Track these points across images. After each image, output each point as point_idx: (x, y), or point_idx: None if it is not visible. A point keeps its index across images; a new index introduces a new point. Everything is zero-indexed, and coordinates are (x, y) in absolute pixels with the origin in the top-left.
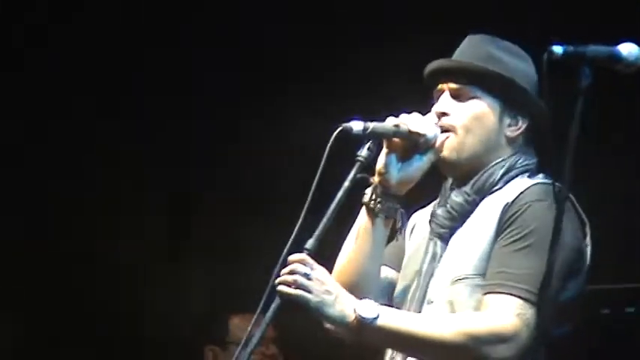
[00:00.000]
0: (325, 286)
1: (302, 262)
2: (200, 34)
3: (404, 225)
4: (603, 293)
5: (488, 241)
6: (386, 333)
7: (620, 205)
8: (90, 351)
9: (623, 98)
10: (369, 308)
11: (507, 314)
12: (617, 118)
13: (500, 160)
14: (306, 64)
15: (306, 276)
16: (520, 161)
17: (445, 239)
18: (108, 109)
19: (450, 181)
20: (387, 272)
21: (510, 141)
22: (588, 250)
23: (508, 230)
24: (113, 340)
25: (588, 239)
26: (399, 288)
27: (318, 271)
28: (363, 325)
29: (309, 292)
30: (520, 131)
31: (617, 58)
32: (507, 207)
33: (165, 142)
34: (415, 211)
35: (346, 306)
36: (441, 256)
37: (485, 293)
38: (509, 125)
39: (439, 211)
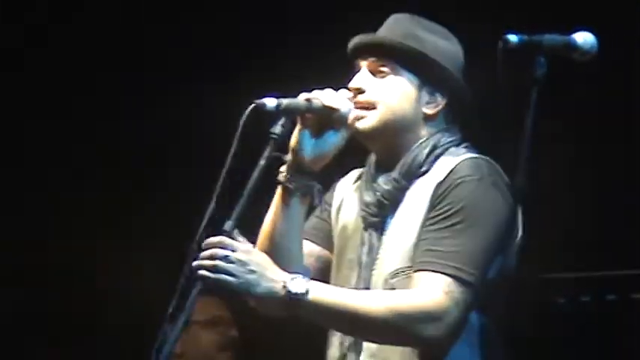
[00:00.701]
0: (248, 266)
1: (220, 244)
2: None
3: (322, 201)
4: (558, 282)
5: (420, 227)
6: (317, 308)
7: (571, 193)
8: None
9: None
10: (298, 284)
11: (436, 292)
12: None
13: (423, 139)
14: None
15: (226, 259)
16: (443, 139)
17: (379, 228)
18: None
19: (373, 157)
20: (315, 250)
21: (428, 118)
22: (519, 221)
23: (438, 207)
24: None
25: (519, 215)
26: (336, 275)
27: (239, 251)
28: (293, 300)
29: (232, 275)
30: (438, 108)
31: (573, 47)
32: (438, 186)
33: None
34: (339, 178)
35: (274, 283)
36: (378, 247)
37: (415, 271)
38: (428, 102)
39: (368, 198)
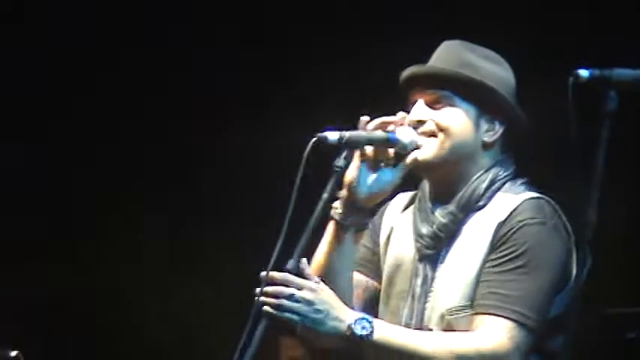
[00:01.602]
0: (314, 305)
1: (285, 282)
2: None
3: (371, 233)
4: (629, 317)
5: (480, 266)
6: (378, 347)
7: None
8: None
9: None
10: (363, 326)
11: (499, 336)
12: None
13: (481, 172)
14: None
15: (292, 297)
16: (501, 172)
17: (433, 260)
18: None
19: (426, 185)
20: (362, 280)
21: (487, 146)
22: (574, 262)
23: (501, 249)
24: None
25: (574, 251)
26: (385, 305)
27: (305, 289)
28: (357, 341)
29: (297, 314)
30: (497, 136)
31: None
32: (499, 226)
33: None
34: (385, 203)
35: (339, 322)
36: (432, 279)
37: (477, 313)
38: (487, 130)
39: (424, 231)
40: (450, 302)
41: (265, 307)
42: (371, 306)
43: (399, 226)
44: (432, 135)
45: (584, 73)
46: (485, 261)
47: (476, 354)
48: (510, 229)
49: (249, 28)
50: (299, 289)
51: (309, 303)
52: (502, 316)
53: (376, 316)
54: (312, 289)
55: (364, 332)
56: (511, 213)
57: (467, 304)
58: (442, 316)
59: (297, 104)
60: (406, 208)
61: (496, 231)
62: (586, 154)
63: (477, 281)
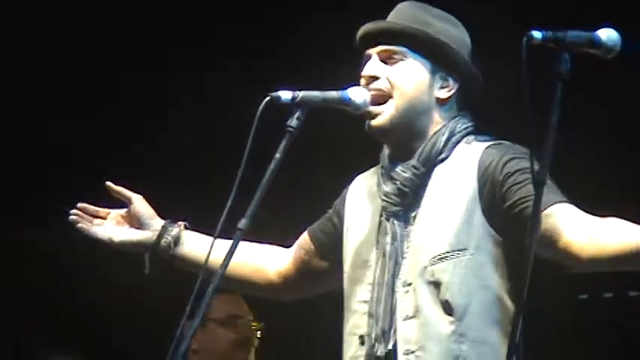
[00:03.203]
0: None
1: None
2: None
3: (342, 203)
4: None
5: (462, 214)
6: None
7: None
8: None
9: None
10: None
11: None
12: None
13: (440, 126)
14: (245, 37)
15: None
16: (459, 126)
17: (401, 217)
18: None
19: (386, 150)
20: (310, 248)
21: (442, 102)
22: None
23: (506, 176)
24: None
25: None
26: (351, 275)
27: None
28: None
29: None
30: (452, 92)
31: (597, 44)
32: (487, 163)
33: None
34: (356, 175)
35: None
36: (403, 235)
37: (546, 207)
38: (442, 87)
39: (388, 189)
40: (431, 252)
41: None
42: (305, 271)
43: (360, 193)
44: (387, 95)
45: (537, 34)
46: (465, 211)
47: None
48: (496, 161)
49: None
50: None
51: None
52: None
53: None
54: None
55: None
56: (483, 153)
57: (451, 250)
58: (424, 268)
59: (252, 66)
60: (368, 178)
61: (483, 169)
62: (540, 115)
63: (455, 230)
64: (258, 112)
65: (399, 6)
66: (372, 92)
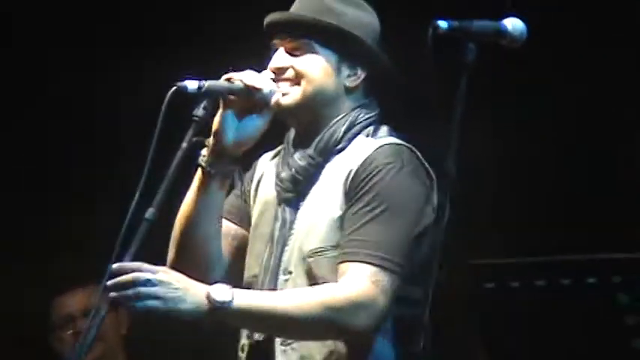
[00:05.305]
0: (171, 285)
1: (139, 269)
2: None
3: (241, 179)
4: (488, 267)
5: (336, 210)
6: (244, 314)
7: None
8: None
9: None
10: (222, 292)
11: (363, 282)
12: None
13: (341, 116)
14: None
15: (149, 282)
16: (361, 116)
17: (293, 204)
18: None
19: (292, 133)
20: (232, 228)
21: (349, 91)
22: (432, 207)
23: (359, 195)
24: None
25: (435, 196)
26: (251, 249)
27: (159, 272)
28: (219, 310)
29: (157, 297)
30: (359, 81)
31: (503, 33)
32: (355, 172)
33: None
34: (261, 154)
35: (198, 296)
36: (291, 222)
37: (340, 262)
38: (349, 75)
39: (284, 174)
40: (309, 244)
41: (125, 298)
42: (241, 255)
43: (268, 173)
44: (294, 83)
45: (443, 24)
46: (338, 207)
47: (342, 302)
48: (368, 175)
49: None
50: (153, 272)
51: (166, 284)
52: (364, 262)
53: None
54: (164, 271)
55: (225, 298)
56: (367, 158)
57: (326, 246)
58: (302, 259)
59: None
60: (275, 157)
61: (352, 175)
62: (445, 104)
63: (335, 224)
64: (165, 102)
65: None
66: (281, 82)
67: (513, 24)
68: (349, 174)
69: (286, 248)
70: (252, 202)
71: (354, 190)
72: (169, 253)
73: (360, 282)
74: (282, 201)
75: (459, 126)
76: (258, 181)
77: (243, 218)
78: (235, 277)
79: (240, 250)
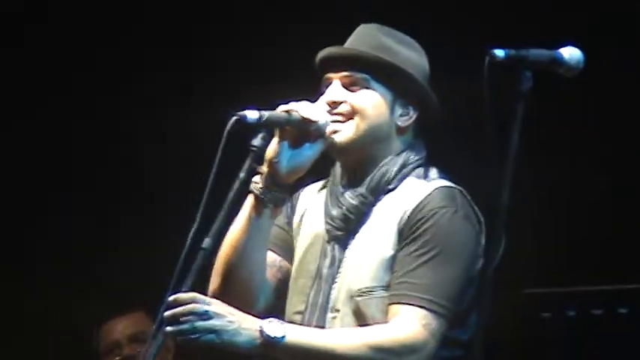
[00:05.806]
0: (226, 318)
1: (194, 300)
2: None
3: (285, 210)
4: (547, 296)
5: (388, 250)
6: (295, 350)
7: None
8: None
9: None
10: (275, 328)
11: (413, 325)
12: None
13: (391, 157)
14: (208, 58)
15: (206, 314)
16: (412, 157)
17: (343, 242)
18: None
19: (339, 168)
20: (276, 260)
21: (401, 131)
22: (481, 249)
23: (413, 237)
24: None
25: (483, 239)
26: (294, 284)
27: (214, 304)
28: (272, 344)
29: (213, 331)
30: (411, 121)
31: (559, 62)
32: (410, 214)
33: None
34: (302, 187)
35: (251, 329)
36: (340, 260)
37: (391, 304)
38: (401, 115)
39: (335, 212)
40: (358, 284)
41: (180, 333)
42: (285, 286)
43: (312, 207)
44: (348, 117)
45: (499, 52)
46: (390, 247)
47: (392, 344)
48: (422, 218)
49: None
50: (208, 304)
51: (221, 317)
52: (415, 305)
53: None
54: (218, 303)
55: (278, 334)
56: (422, 201)
57: (375, 286)
58: (351, 297)
59: (223, 88)
60: (320, 190)
61: (405, 217)
62: (500, 134)
63: (387, 264)
64: (226, 131)
65: (362, 29)
66: (335, 116)
67: (570, 53)
68: (403, 215)
69: (334, 286)
70: (295, 236)
71: (408, 231)
72: (213, 281)
73: (410, 325)
74: (332, 239)
75: (514, 156)
76: (302, 215)
77: (287, 251)
78: (276, 309)
79: (283, 282)
